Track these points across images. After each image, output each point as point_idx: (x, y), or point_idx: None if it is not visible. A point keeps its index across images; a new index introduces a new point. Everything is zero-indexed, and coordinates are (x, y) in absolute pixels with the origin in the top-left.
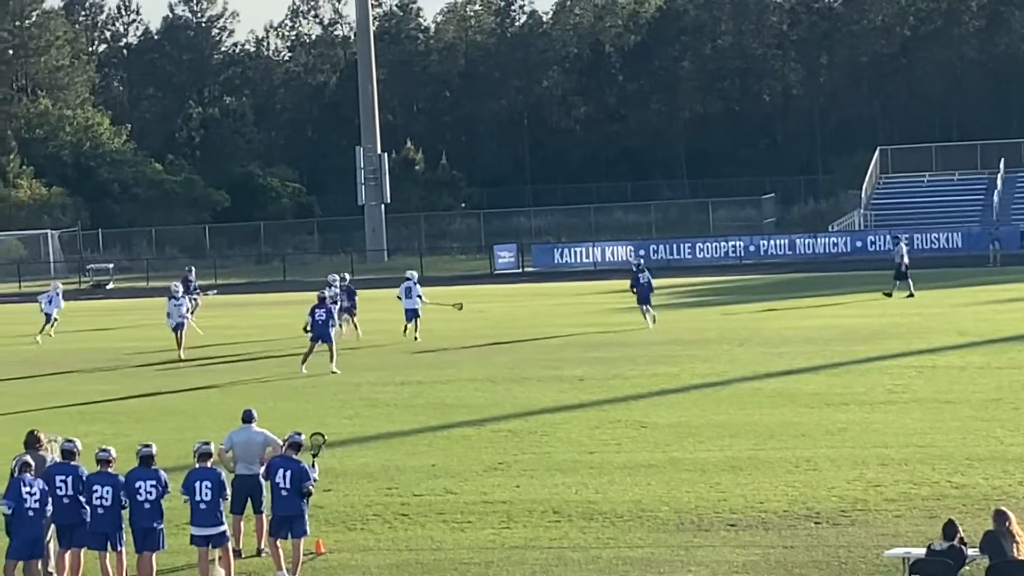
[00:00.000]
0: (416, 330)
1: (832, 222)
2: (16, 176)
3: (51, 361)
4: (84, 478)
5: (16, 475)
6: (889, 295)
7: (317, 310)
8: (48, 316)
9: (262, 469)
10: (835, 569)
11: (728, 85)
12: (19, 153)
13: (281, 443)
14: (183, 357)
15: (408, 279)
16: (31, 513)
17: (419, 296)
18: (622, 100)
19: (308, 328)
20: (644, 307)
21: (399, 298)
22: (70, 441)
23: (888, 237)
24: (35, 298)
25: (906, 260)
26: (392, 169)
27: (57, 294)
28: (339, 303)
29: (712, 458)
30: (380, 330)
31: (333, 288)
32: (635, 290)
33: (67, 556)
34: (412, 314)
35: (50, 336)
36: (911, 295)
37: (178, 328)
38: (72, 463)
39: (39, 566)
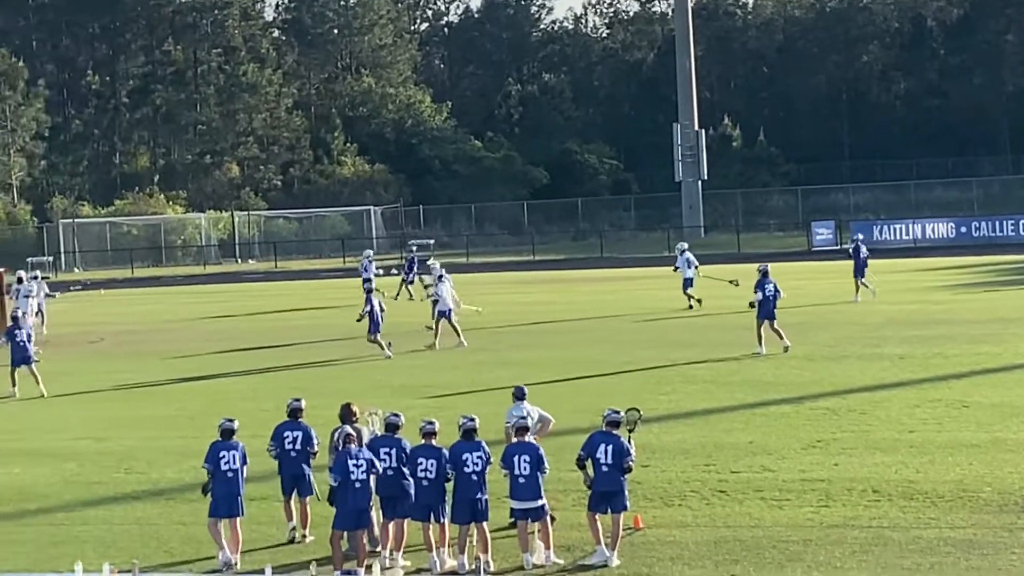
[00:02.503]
0: (692, 298)
1: None
2: (340, 153)
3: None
4: (408, 451)
5: (341, 448)
6: None
7: (766, 284)
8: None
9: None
10: None
11: None
12: (343, 131)
13: (552, 420)
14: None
15: (683, 250)
16: (357, 485)
17: (696, 267)
18: (944, 75)
19: (754, 304)
20: (860, 280)
21: (676, 268)
22: (395, 415)
23: None
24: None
25: None
26: (709, 145)
27: (369, 263)
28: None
29: None
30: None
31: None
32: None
33: (391, 527)
34: (689, 283)
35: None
36: None
37: (441, 314)
38: (396, 436)
39: (364, 536)
